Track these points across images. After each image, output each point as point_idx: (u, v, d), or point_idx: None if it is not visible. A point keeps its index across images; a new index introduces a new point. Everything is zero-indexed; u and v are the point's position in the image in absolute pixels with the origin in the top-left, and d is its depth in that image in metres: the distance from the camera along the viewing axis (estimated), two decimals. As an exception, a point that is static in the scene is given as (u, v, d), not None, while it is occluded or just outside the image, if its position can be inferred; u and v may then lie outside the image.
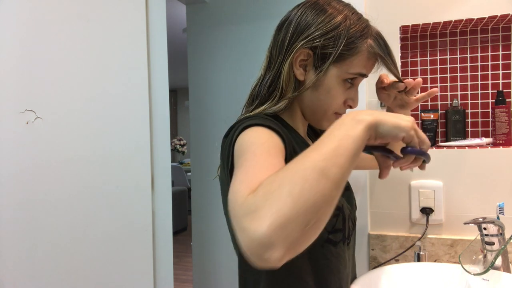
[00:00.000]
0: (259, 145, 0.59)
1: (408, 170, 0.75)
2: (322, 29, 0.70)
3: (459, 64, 1.18)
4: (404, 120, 0.55)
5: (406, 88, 0.81)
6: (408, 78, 0.83)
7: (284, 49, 0.73)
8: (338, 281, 0.74)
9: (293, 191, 0.42)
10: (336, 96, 0.73)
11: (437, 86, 1.20)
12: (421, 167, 0.65)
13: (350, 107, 0.75)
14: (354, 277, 0.87)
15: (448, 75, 1.19)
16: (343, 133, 0.50)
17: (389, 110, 0.89)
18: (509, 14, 1.07)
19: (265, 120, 0.66)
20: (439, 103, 1.20)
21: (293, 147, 0.67)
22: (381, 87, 0.83)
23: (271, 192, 0.43)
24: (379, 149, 0.65)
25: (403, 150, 0.61)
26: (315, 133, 0.94)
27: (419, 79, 0.80)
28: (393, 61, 0.74)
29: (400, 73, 0.83)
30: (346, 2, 0.76)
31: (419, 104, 1.20)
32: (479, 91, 1.16)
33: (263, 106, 0.74)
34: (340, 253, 0.74)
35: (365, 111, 0.54)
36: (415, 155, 0.62)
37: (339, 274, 0.74)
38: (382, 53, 0.73)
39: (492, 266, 0.85)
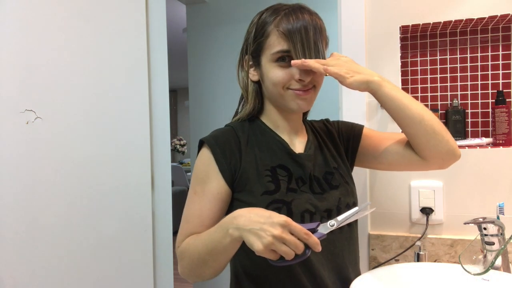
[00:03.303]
0: (198, 183, 0.83)
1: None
2: (248, 34, 0.86)
3: (459, 64, 1.18)
4: (264, 237, 0.63)
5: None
6: None
7: (238, 64, 0.90)
8: (290, 277, 0.79)
9: (188, 263, 0.79)
10: (275, 77, 0.80)
11: (437, 86, 1.20)
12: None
13: (301, 80, 0.79)
14: (355, 268, 0.90)
15: (448, 75, 1.19)
16: (219, 239, 0.70)
17: None
18: (509, 14, 1.07)
19: (217, 144, 0.82)
20: (439, 103, 1.20)
21: (252, 148, 0.84)
22: None
23: (182, 257, 0.80)
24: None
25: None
26: (329, 131, 0.95)
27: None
28: (306, 35, 0.77)
29: (325, 56, 0.82)
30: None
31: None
32: (479, 91, 1.16)
33: (239, 114, 0.90)
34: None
35: (240, 219, 0.67)
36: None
37: (289, 270, 0.78)
38: (290, 26, 0.77)
39: (492, 266, 0.85)
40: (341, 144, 0.94)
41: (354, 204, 0.89)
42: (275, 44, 0.79)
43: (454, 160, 0.86)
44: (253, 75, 0.86)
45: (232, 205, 0.84)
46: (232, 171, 0.81)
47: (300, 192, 0.82)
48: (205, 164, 0.83)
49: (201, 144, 0.87)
